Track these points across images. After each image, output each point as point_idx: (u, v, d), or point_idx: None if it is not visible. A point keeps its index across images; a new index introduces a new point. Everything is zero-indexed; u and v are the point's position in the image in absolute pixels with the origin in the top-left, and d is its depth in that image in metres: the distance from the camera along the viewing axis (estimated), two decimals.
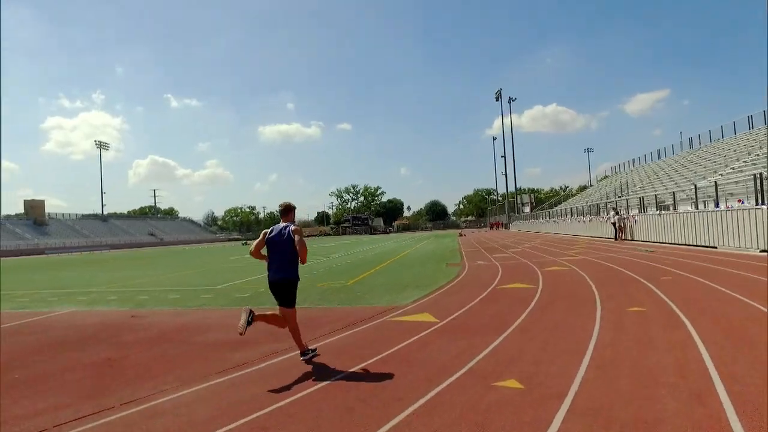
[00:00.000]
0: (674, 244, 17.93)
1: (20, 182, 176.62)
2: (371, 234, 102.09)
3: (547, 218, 42.13)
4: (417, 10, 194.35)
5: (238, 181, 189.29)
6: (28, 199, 76.62)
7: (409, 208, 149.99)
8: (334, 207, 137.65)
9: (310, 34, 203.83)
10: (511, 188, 75.16)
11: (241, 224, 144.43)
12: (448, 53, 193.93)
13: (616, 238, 23.19)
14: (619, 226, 23.07)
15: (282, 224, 4.88)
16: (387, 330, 6.11)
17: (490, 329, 5.75)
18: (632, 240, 22.21)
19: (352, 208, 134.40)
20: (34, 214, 75.25)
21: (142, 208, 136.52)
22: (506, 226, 69.84)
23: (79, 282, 15.88)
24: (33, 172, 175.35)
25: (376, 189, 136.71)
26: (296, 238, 4.66)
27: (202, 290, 11.76)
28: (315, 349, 5.01)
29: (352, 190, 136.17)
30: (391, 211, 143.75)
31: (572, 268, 12.29)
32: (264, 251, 4.88)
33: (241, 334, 4.55)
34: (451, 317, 6.66)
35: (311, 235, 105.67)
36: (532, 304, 7.38)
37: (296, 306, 4.92)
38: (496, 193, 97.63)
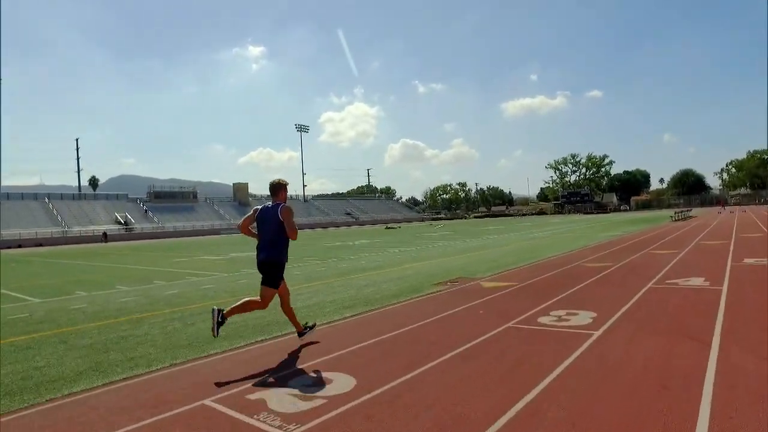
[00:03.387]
0: None
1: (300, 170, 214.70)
2: (588, 213, 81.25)
3: None
4: None
5: (483, 158, 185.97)
6: (235, 182, 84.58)
7: (661, 181, 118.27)
8: (551, 181, 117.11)
9: None
10: None
11: (450, 202, 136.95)
12: None
13: None
14: None
15: (272, 204, 4.63)
16: None
17: None
18: None
19: (572, 182, 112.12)
20: (239, 196, 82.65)
21: (359, 188, 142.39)
22: None
23: None
24: (313, 160, 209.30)
25: (602, 158, 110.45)
26: (285, 220, 4.46)
27: None
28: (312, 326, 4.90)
29: (572, 160, 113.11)
30: (630, 185, 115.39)
31: None
32: (254, 228, 4.71)
33: (214, 336, 4.44)
34: None
35: (526, 214, 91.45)
36: None
37: None
38: None
